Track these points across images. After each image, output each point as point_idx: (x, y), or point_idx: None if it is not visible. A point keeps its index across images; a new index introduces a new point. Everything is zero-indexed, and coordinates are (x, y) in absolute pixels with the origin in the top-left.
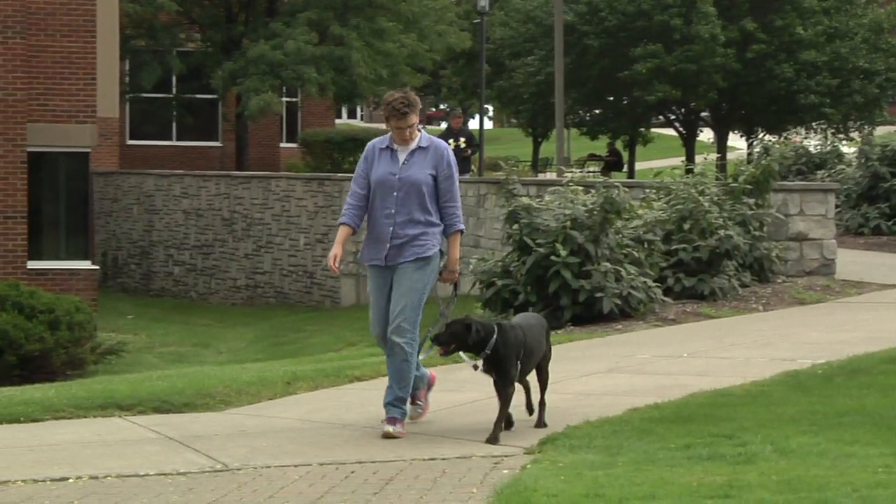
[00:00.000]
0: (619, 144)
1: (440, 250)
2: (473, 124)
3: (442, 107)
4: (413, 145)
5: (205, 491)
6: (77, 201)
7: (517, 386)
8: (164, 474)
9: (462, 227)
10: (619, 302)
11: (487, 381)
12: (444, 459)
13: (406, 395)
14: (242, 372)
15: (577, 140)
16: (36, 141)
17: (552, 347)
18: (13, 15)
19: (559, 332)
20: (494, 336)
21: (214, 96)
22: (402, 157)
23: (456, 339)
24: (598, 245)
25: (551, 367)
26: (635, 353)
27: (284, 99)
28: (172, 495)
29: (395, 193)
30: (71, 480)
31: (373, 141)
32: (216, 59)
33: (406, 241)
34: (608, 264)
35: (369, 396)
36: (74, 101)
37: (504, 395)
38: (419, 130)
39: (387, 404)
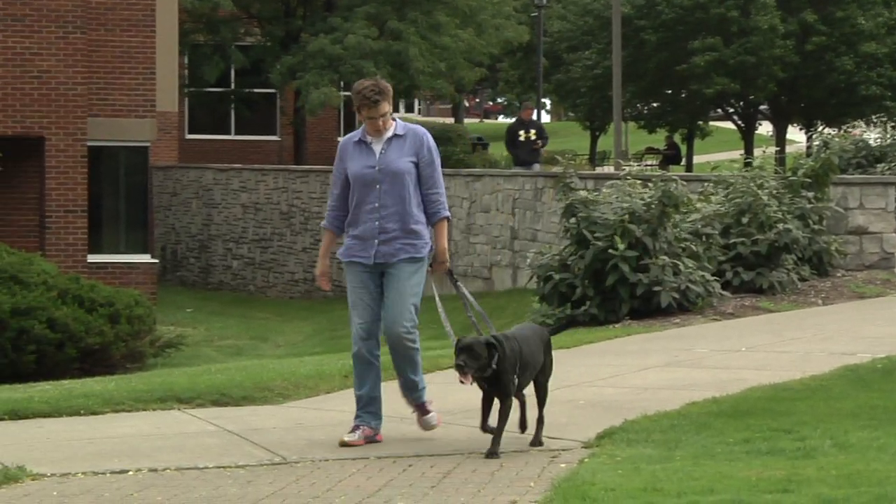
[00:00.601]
0: (677, 138)
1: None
2: None
3: (499, 100)
4: (388, 134)
5: (263, 483)
6: (137, 195)
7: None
8: (223, 467)
9: (447, 214)
10: (676, 296)
11: None
12: (501, 453)
13: (420, 378)
14: (300, 365)
15: (635, 133)
16: (96, 135)
17: (553, 362)
18: (73, 10)
19: (616, 325)
20: (497, 351)
21: (272, 90)
22: (377, 147)
23: (479, 362)
24: (656, 239)
25: (603, 361)
26: (693, 347)
27: (342, 93)
28: (231, 488)
29: (377, 186)
30: (130, 473)
31: (345, 137)
32: (275, 54)
33: (395, 237)
34: (666, 258)
35: (427, 390)
36: (134, 96)
37: (502, 409)
38: (393, 119)
39: (410, 395)
